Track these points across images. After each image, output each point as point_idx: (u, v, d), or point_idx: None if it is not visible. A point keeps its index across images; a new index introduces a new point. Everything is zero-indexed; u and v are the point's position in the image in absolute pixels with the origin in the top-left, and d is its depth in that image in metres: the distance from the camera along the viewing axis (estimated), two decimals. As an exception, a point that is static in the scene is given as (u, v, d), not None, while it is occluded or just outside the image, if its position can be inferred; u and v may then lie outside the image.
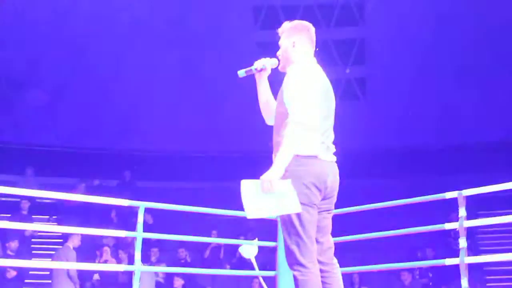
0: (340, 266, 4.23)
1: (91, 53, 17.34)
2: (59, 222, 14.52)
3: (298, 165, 3.92)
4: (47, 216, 15.68)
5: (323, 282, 4.02)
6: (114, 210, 14.54)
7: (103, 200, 6.24)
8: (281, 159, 3.85)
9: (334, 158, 4.08)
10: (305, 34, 4.28)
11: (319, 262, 4.03)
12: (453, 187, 6.78)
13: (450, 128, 17.45)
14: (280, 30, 4.36)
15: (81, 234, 11.41)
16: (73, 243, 11.46)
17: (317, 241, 4.04)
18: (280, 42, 4.31)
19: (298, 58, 4.20)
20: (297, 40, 4.24)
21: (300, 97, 3.93)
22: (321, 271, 4.03)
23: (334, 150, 4.11)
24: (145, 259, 12.32)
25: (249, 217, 3.94)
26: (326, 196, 4.03)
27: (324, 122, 4.02)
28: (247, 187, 3.87)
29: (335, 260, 4.13)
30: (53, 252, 12.11)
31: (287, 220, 3.96)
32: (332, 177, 4.02)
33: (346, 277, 5.34)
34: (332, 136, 4.11)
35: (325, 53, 4.37)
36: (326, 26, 17.29)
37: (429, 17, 17.27)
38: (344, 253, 5.13)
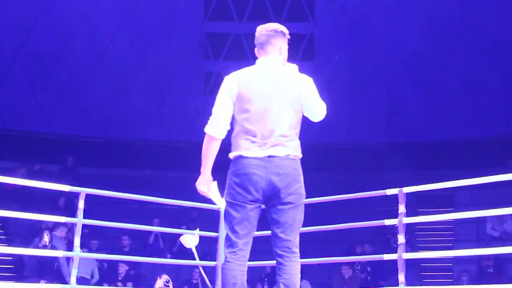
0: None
1: (36, 34, 17.03)
2: (-3, 206, 14.22)
3: (230, 167, 4.24)
4: (-15, 200, 15.33)
5: (277, 273, 4.20)
6: (63, 198, 14.35)
7: (43, 185, 6.15)
8: (202, 166, 4.29)
9: (275, 153, 4.15)
10: (257, 39, 4.42)
11: (276, 253, 4.21)
12: (394, 184, 6.90)
13: (395, 126, 17.70)
14: None
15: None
16: (60, 233, 11.74)
17: (273, 232, 4.23)
18: None
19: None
20: (256, 45, 4.44)
21: (214, 105, 4.28)
22: (277, 262, 4.21)
23: (282, 146, 4.18)
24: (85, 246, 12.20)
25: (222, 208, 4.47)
26: (270, 191, 4.14)
27: (256, 121, 4.17)
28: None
29: (294, 254, 4.21)
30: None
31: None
32: (263, 172, 4.12)
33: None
34: (277, 132, 4.17)
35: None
36: (276, 20, 17.31)
37: (378, 15, 17.49)
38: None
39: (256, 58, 4.44)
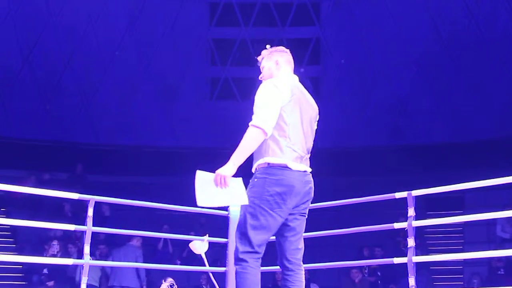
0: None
1: (41, 42, 17.10)
2: (7, 215, 14.28)
3: (268, 174, 4.16)
4: (-6, 209, 15.39)
5: (285, 280, 4.25)
6: (68, 204, 14.36)
7: (52, 193, 6.15)
8: (234, 157, 4.05)
9: (307, 168, 4.29)
10: (285, 55, 4.52)
11: (287, 260, 4.26)
12: (403, 187, 6.88)
13: (404, 129, 17.68)
14: (260, 57, 4.58)
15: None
16: (137, 242, 11.84)
17: (287, 240, 4.28)
18: (263, 65, 4.54)
19: (279, 74, 4.43)
20: (279, 59, 4.49)
21: (262, 104, 4.15)
22: (287, 269, 4.27)
23: (308, 160, 4.32)
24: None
25: (199, 204, 4.17)
26: (298, 203, 4.23)
27: (296, 132, 4.22)
28: (202, 177, 4.08)
29: (302, 264, 4.33)
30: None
31: (242, 219, 4.20)
32: (301, 186, 4.21)
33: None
34: (306, 146, 4.31)
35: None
36: (282, 25, 17.34)
37: (385, 17, 17.48)
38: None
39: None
